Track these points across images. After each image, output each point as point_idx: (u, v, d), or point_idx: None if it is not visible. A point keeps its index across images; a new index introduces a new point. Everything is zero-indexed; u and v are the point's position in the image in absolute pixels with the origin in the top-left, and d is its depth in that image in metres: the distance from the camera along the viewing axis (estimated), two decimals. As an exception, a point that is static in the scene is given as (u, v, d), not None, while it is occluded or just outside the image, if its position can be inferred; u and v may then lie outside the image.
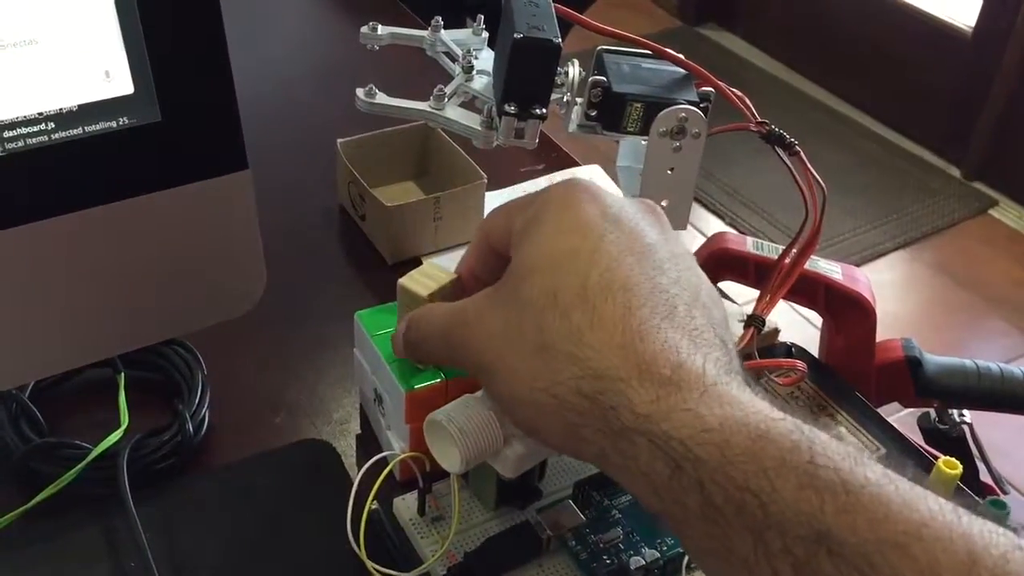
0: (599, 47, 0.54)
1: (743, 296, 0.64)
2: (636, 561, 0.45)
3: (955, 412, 0.66)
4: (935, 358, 0.65)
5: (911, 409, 0.68)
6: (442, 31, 0.60)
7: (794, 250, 0.55)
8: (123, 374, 0.54)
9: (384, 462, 0.47)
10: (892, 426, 0.56)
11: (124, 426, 0.51)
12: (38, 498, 0.48)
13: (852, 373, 0.60)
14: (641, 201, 0.41)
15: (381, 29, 0.59)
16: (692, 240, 0.75)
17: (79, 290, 0.45)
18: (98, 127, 0.41)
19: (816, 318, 0.61)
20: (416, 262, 0.68)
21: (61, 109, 0.40)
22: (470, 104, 0.56)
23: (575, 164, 0.81)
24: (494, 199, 0.74)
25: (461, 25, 0.62)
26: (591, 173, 0.80)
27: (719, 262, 0.60)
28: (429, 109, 0.55)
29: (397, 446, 0.50)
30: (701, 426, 0.32)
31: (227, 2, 0.41)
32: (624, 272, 0.36)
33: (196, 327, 0.51)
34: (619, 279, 0.36)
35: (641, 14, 2.88)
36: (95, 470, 0.49)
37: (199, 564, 0.47)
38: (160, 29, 0.40)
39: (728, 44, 2.81)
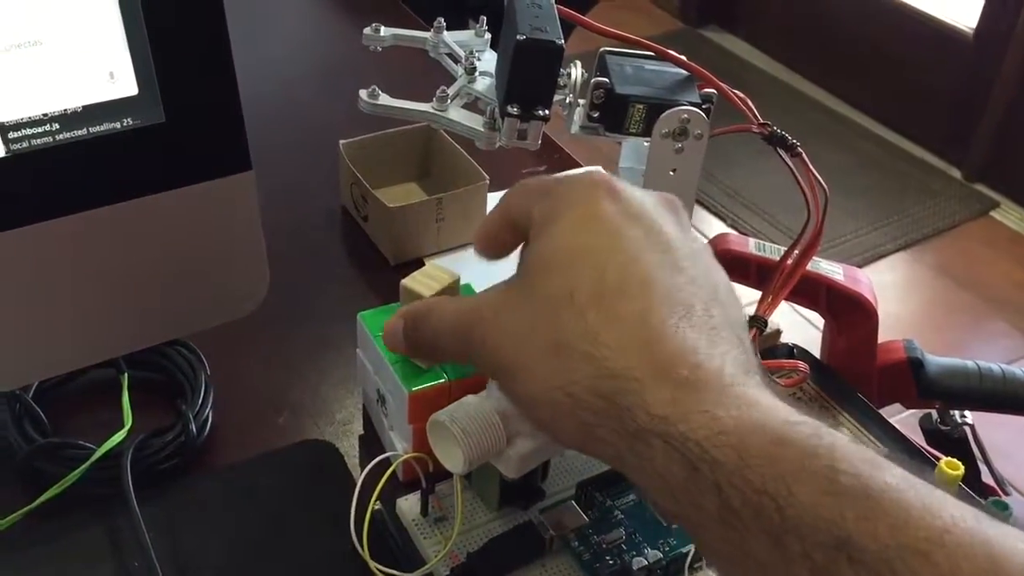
0: (601, 48, 0.54)
1: (745, 297, 0.64)
2: (639, 562, 0.45)
3: (957, 413, 0.66)
4: (937, 359, 0.65)
5: (913, 410, 0.68)
6: (445, 32, 0.60)
7: (796, 251, 0.55)
8: (126, 375, 0.54)
9: (387, 463, 0.47)
10: (894, 427, 0.56)
11: (128, 426, 0.51)
12: (42, 498, 0.48)
13: (854, 374, 0.60)
14: (660, 195, 0.40)
15: (384, 31, 0.59)
16: (694, 241, 0.75)
17: (83, 291, 0.45)
18: (102, 128, 0.41)
19: (818, 319, 0.62)
20: (418, 263, 0.68)
21: (66, 110, 0.40)
22: (473, 105, 0.57)
23: (577, 165, 0.81)
24: (496, 200, 0.74)
25: (463, 27, 0.62)
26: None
27: (721, 263, 0.60)
28: (432, 110, 0.55)
29: (400, 447, 0.50)
30: (718, 428, 0.32)
31: (230, 3, 0.42)
32: (642, 270, 0.35)
33: (199, 328, 0.51)
34: (636, 277, 0.35)
35: (642, 16, 2.88)
36: (99, 470, 0.49)
37: (202, 564, 0.47)
38: (164, 30, 0.40)
39: (729, 46, 2.81)
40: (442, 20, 0.60)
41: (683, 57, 0.54)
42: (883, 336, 0.62)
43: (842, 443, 0.32)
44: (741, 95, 0.53)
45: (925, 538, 0.29)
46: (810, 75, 2.65)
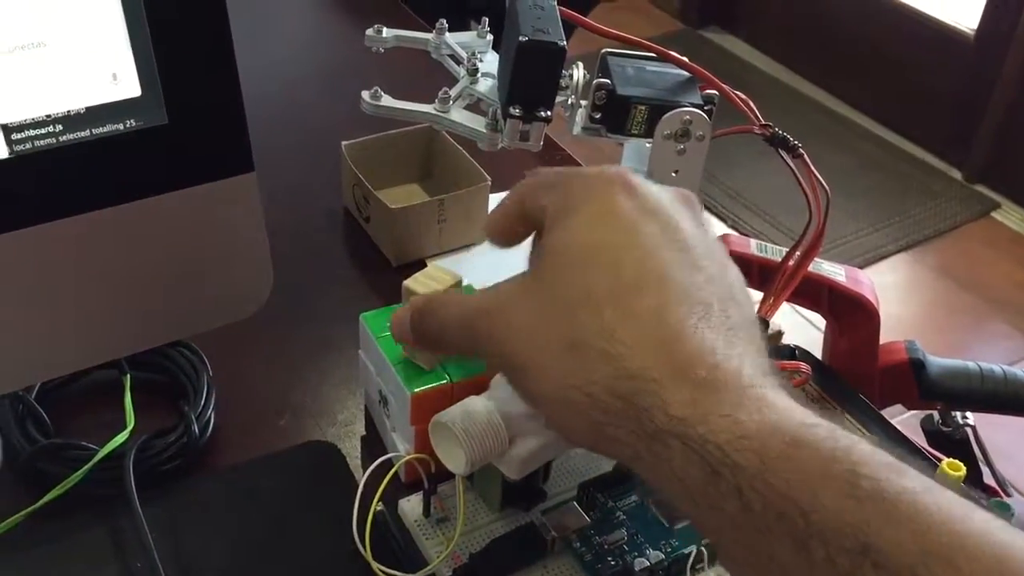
0: (603, 50, 0.54)
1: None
2: (640, 562, 0.45)
3: (958, 414, 0.66)
4: (938, 360, 0.65)
5: (914, 411, 0.68)
6: (447, 34, 0.60)
7: (798, 252, 0.55)
8: (129, 376, 0.55)
9: (389, 464, 0.47)
10: (896, 428, 0.56)
11: (130, 427, 0.52)
12: (45, 499, 0.49)
13: (856, 375, 0.60)
14: (676, 190, 0.39)
15: (386, 32, 0.59)
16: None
17: (86, 292, 0.45)
18: (105, 129, 0.41)
19: (819, 320, 0.62)
20: (420, 264, 0.68)
21: (69, 111, 0.40)
22: (475, 107, 0.57)
23: (579, 166, 0.81)
24: (498, 201, 0.74)
25: (465, 28, 0.62)
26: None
27: (723, 264, 0.60)
28: (434, 112, 0.55)
29: (402, 448, 0.50)
30: (739, 431, 0.32)
31: (232, 4, 0.42)
32: (659, 267, 0.35)
33: (202, 329, 0.51)
34: (654, 275, 0.35)
35: (643, 17, 2.88)
36: (101, 471, 0.50)
37: (205, 565, 0.47)
38: (167, 32, 0.40)
39: (730, 47, 2.81)
40: (444, 22, 0.60)
41: (685, 58, 0.54)
42: (884, 337, 0.62)
43: (860, 446, 0.31)
44: (743, 96, 0.53)
45: (948, 544, 0.29)
46: (810, 76, 2.65)
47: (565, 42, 0.50)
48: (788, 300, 0.56)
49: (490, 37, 0.60)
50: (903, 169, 2.36)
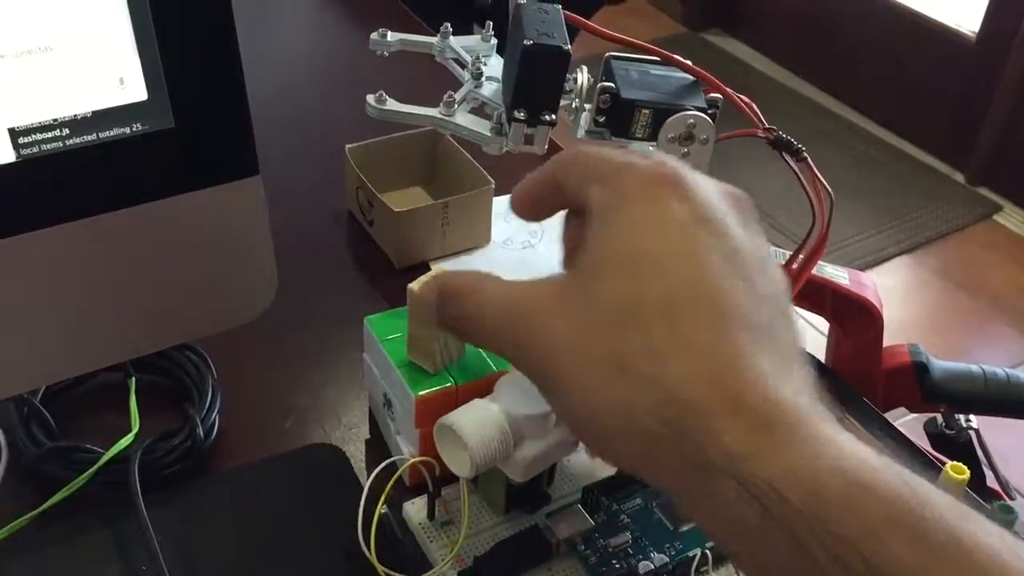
0: (608, 53, 0.54)
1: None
2: (645, 566, 0.45)
3: (962, 417, 0.66)
4: (942, 363, 0.65)
5: (918, 414, 0.68)
6: (451, 38, 0.60)
7: (801, 256, 0.55)
8: (134, 378, 0.55)
9: (393, 466, 0.47)
10: (899, 431, 0.56)
11: (135, 430, 0.52)
12: (50, 502, 0.49)
13: (859, 378, 0.60)
14: (729, 192, 0.37)
15: (391, 36, 0.60)
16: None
17: (91, 296, 0.45)
18: (112, 133, 0.41)
19: (823, 323, 0.62)
20: (424, 267, 0.69)
21: (75, 115, 0.40)
22: (479, 110, 0.57)
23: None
24: (502, 204, 0.74)
25: (469, 32, 0.62)
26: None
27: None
28: (439, 115, 0.55)
29: (406, 450, 0.51)
30: (797, 472, 0.30)
31: (236, 8, 0.42)
32: (713, 285, 0.33)
33: (207, 332, 0.51)
34: (708, 294, 0.32)
35: (645, 20, 2.88)
36: (106, 474, 0.50)
37: (210, 567, 0.47)
38: (173, 36, 0.40)
39: (732, 50, 2.81)
40: (449, 25, 0.60)
41: (688, 62, 0.54)
42: (886, 340, 0.62)
43: (926, 490, 0.30)
44: (746, 99, 0.53)
45: None
46: (812, 78, 2.65)
47: (569, 46, 0.50)
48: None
49: (494, 41, 0.61)
50: (905, 171, 2.36)
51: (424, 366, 0.49)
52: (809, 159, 0.52)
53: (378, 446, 0.55)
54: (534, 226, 0.74)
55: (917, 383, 0.64)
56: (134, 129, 0.41)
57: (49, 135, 0.40)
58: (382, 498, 0.45)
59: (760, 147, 0.53)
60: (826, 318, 0.61)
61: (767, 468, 0.30)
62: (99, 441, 0.51)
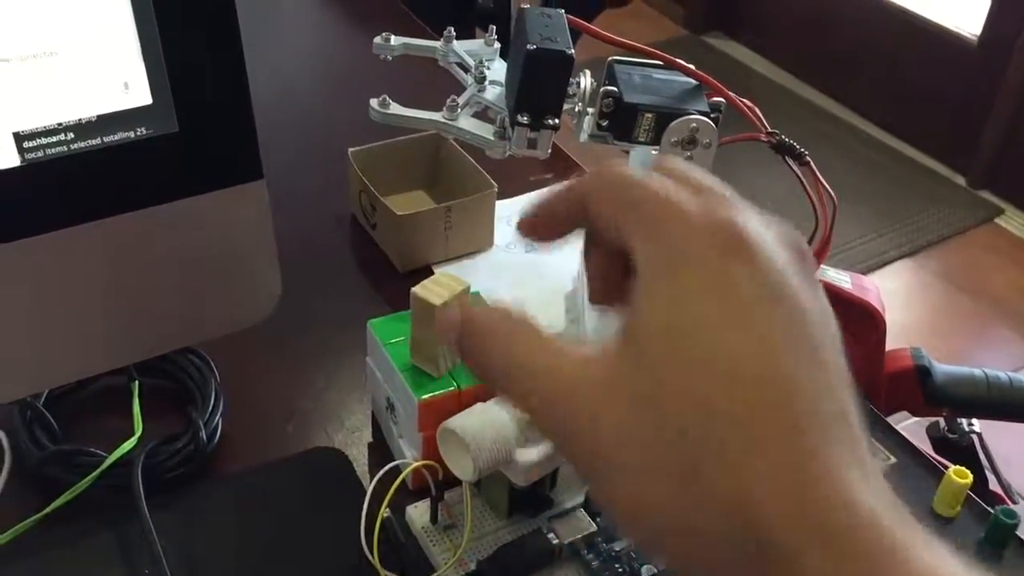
0: (610, 58, 0.54)
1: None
2: (648, 569, 0.45)
3: (964, 421, 0.66)
4: (944, 367, 0.65)
5: (920, 418, 0.68)
6: (454, 42, 0.60)
7: (804, 260, 0.55)
8: (137, 382, 0.55)
9: (396, 470, 0.47)
10: (902, 435, 0.56)
11: (138, 434, 0.52)
12: (53, 505, 0.49)
13: (861, 382, 0.60)
14: (790, 242, 0.32)
15: (394, 40, 0.60)
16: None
17: (95, 299, 0.46)
18: (116, 137, 0.41)
19: (825, 327, 0.62)
20: (427, 270, 0.69)
21: (80, 120, 0.40)
22: (482, 114, 0.57)
23: (584, 173, 0.81)
24: (504, 208, 0.74)
25: (471, 36, 0.62)
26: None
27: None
28: (442, 119, 0.55)
29: (409, 454, 0.51)
30: None
31: (240, 12, 0.42)
32: (788, 379, 0.29)
33: (211, 336, 0.51)
34: (783, 390, 0.29)
35: (646, 23, 2.88)
36: (109, 477, 0.50)
37: (212, 571, 0.47)
38: (178, 40, 0.40)
39: (733, 53, 2.82)
40: (452, 30, 0.60)
41: (691, 66, 0.54)
42: (888, 343, 0.62)
43: None
44: (749, 104, 0.53)
45: None
46: (813, 81, 2.65)
47: (573, 50, 0.50)
48: (794, 307, 0.56)
49: (498, 45, 0.61)
50: (906, 174, 2.36)
51: (427, 370, 0.49)
52: (812, 163, 0.52)
53: (381, 450, 0.55)
54: (536, 230, 0.74)
55: (920, 387, 0.64)
56: (138, 133, 0.41)
57: (54, 139, 0.40)
58: (385, 502, 0.45)
59: (763, 150, 0.53)
60: (829, 322, 0.61)
61: None
62: (102, 444, 0.51)
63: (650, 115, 0.52)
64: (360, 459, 0.55)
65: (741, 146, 0.54)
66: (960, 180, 2.34)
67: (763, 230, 0.31)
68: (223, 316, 0.49)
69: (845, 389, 0.30)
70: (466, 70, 0.59)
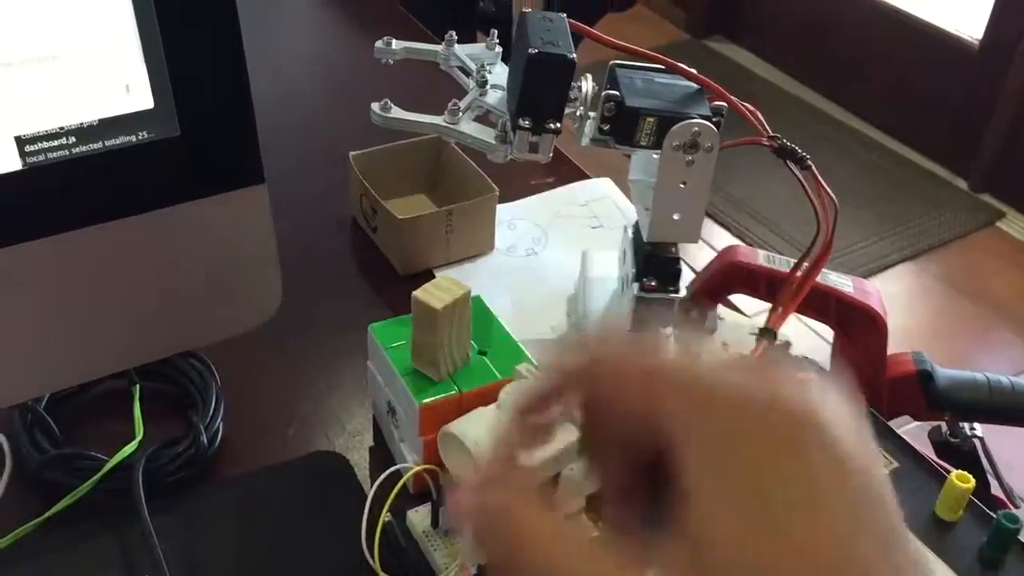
0: (612, 62, 0.54)
1: (753, 308, 0.64)
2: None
3: (966, 425, 0.66)
4: (946, 371, 0.65)
5: (922, 422, 0.68)
6: (456, 46, 0.60)
7: (806, 263, 0.55)
8: (138, 386, 0.55)
9: (397, 474, 0.47)
10: (904, 439, 0.56)
11: (139, 438, 0.52)
12: (54, 509, 0.49)
13: (863, 386, 0.60)
14: (855, 419, 0.28)
15: (396, 44, 0.60)
16: (701, 252, 0.75)
17: (96, 303, 0.46)
18: (118, 141, 0.41)
19: (827, 331, 0.62)
20: (428, 274, 0.69)
21: (82, 123, 0.40)
22: (484, 118, 0.57)
23: (585, 177, 0.81)
24: (506, 211, 0.74)
25: (472, 39, 0.62)
26: (602, 186, 0.80)
27: (731, 276, 0.60)
28: (444, 123, 0.55)
29: (410, 458, 0.50)
30: None
31: (241, 16, 0.42)
32: None
33: (212, 340, 0.51)
34: None
35: (648, 27, 2.88)
36: (110, 481, 0.50)
37: (213, 574, 0.47)
38: (180, 45, 0.40)
39: (735, 57, 2.82)
40: (454, 34, 0.60)
41: (693, 70, 0.54)
42: (889, 347, 0.62)
43: None
44: (751, 108, 0.53)
45: None
46: (815, 85, 2.65)
47: (575, 54, 0.50)
48: (796, 311, 0.56)
49: (499, 49, 0.61)
50: (907, 178, 2.36)
51: (428, 374, 0.49)
52: (813, 166, 0.52)
53: (382, 454, 0.55)
54: (538, 233, 0.74)
55: (922, 391, 0.64)
56: (140, 137, 0.41)
57: (55, 143, 0.40)
58: (386, 506, 0.45)
59: (764, 154, 0.53)
60: (830, 326, 0.61)
61: None
62: (103, 448, 0.51)
63: (652, 119, 0.52)
64: (361, 463, 0.55)
65: (743, 150, 0.54)
66: (961, 184, 2.34)
67: (828, 406, 0.27)
68: (224, 320, 0.49)
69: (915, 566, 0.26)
70: (468, 74, 0.59)
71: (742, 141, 0.53)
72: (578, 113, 0.54)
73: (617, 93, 0.52)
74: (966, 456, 0.66)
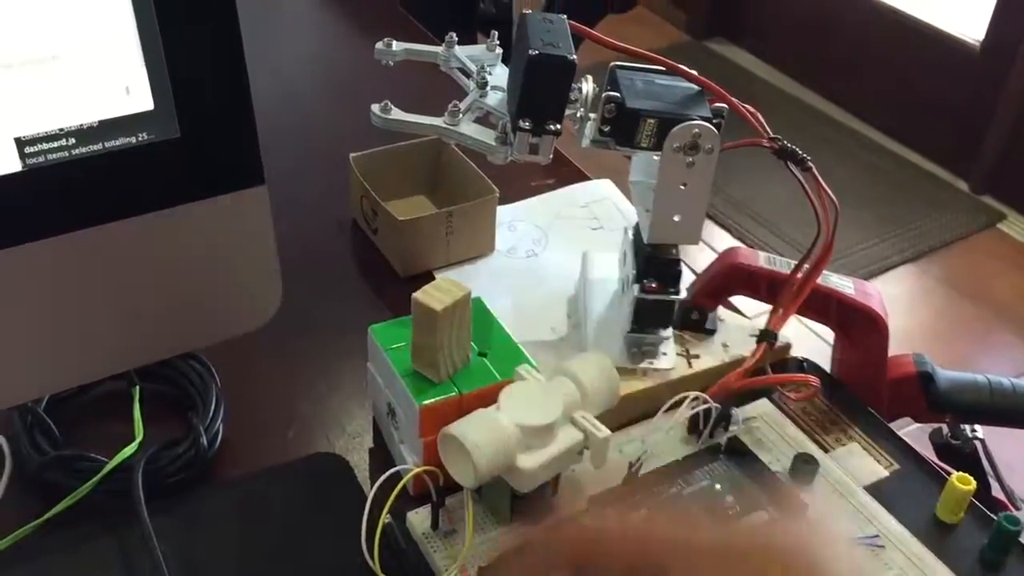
0: (613, 63, 0.54)
1: (754, 309, 0.64)
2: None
3: (967, 427, 0.66)
4: (947, 373, 0.65)
5: (923, 424, 0.68)
6: (456, 47, 0.60)
7: (806, 265, 0.55)
8: (138, 387, 0.55)
9: (397, 476, 0.47)
10: (904, 442, 0.56)
11: (139, 439, 0.52)
12: (54, 510, 0.49)
13: (864, 388, 0.60)
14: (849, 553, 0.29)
15: (396, 45, 0.60)
16: (701, 254, 0.75)
17: (96, 304, 0.45)
18: (118, 143, 0.41)
19: (828, 333, 0.62)
20: (428, 275, 0.69)
21: (82, 125, 0.40)
22: (484, 119, 0.57)
23: (586, 179, 0.81)
24: (506, 213, 0.74)
25: (472, 41, 0.62)
26: (602, 188, 0.80)
27: (731, 278, 0.60)
28: (444, 125, 0.55)
29: (410, 460, 0.50)
30: None
31: (241, 17, 0.42)
32: None
33: (212, 341, 0.51)
34: None
35: (649, 28, 2.88)
36: (110, 483, 0.50)
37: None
38: (180, 46, 0.40)
39: (736, 58, 2.82)
40: (454, 35, 0.60)
41: (694, 71, 0.54)
42: (889, 349, 0.62)
43: None
44: (751, 109, 0.53)
45: None
46: (815, 86, 2.65)
47: (575, 56, 0.50)
48: (796, 313, 0.56)
49: (499, 50, 0.61)
50: (908, 180, 2.36)
51: (428, 375, 0.49)
52: (814, 168, 0.52)
53: (382, 455, 0.55)
54: (538, 235, 0.74)
55: (922, 393, 0.64)
56: (140, 139, 0.41)
57: (55, 144, 0.40)
58: (386, 508, 0.45)
59: (765, 156, 0.53)
60: (831, 328, 0.61)
61: None
62: (103, 450, 0.51)
63: (652, 121, 0.52)
64: (361, 465, 0.55)
65: (743, 151, 0.54)
66: (962, 185, 2.34)
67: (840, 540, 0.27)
68: (224, 321, 0.49)
69: None
70: (468, 75, 0.59)
71: (743, 143, 0.53)
72: (578, 114, 0.54)
73: (618, 94, 0.52)
74: (967, 458, 0.66)
